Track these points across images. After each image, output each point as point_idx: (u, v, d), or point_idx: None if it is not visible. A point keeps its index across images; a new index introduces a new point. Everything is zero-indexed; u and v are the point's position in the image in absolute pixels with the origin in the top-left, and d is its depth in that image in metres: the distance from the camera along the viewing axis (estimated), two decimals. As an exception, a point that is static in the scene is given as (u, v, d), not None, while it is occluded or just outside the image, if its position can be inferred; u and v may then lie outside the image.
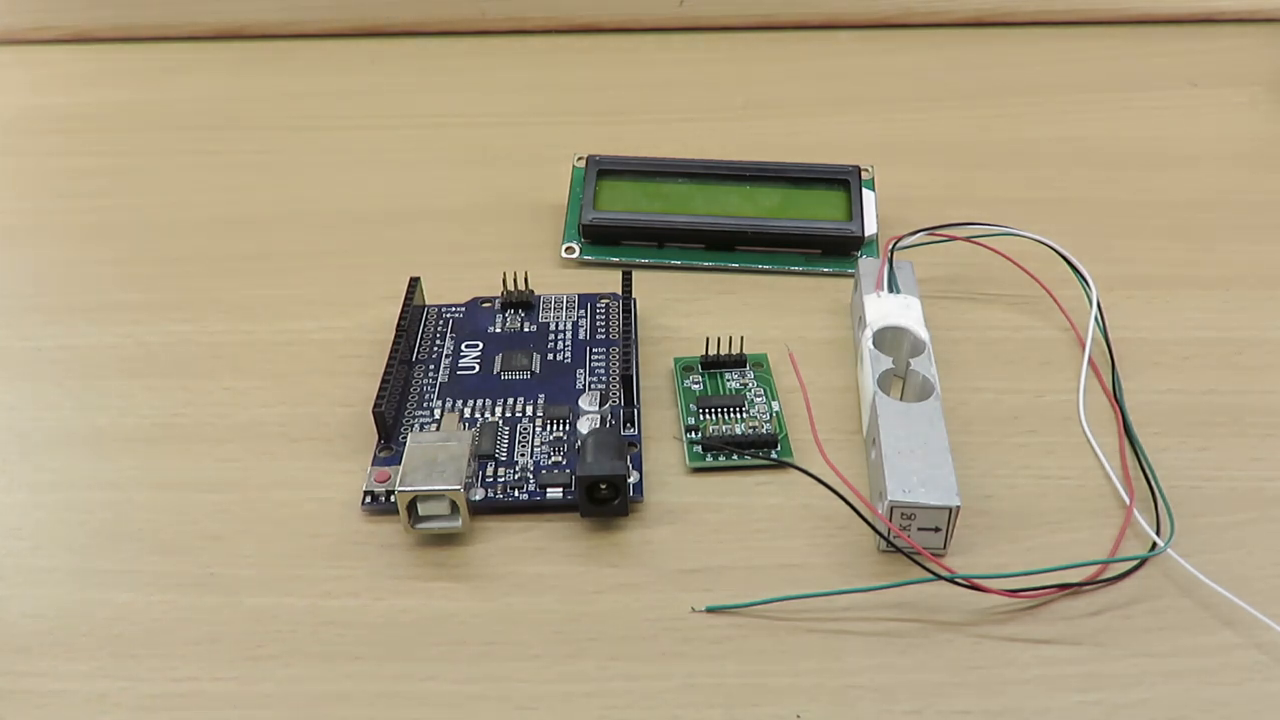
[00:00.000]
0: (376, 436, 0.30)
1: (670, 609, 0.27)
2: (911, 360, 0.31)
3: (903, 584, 0.26)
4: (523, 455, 0.30)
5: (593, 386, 0.32)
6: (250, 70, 0.52)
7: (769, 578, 0.27)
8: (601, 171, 0.39)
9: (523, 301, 0.35)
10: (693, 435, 0.31)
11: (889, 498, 0.26)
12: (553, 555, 0.28)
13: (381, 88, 0.50)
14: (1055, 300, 0.35)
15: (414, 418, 0.31)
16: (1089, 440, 0.31)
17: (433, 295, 0.36)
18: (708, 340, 0.33)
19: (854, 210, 0.38)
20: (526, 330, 0.35)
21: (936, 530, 0.27)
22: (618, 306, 0.35)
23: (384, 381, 0.31)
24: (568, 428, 0.31)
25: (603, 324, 0.35)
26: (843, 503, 0.27)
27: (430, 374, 0.33)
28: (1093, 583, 0.27)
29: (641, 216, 0.38)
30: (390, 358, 0.31)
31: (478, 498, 0.29)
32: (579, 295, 0.36)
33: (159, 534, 0.29)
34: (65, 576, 0.28)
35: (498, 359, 0.33)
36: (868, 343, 0.31)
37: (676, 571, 0.27)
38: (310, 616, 0.27)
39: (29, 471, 0.31)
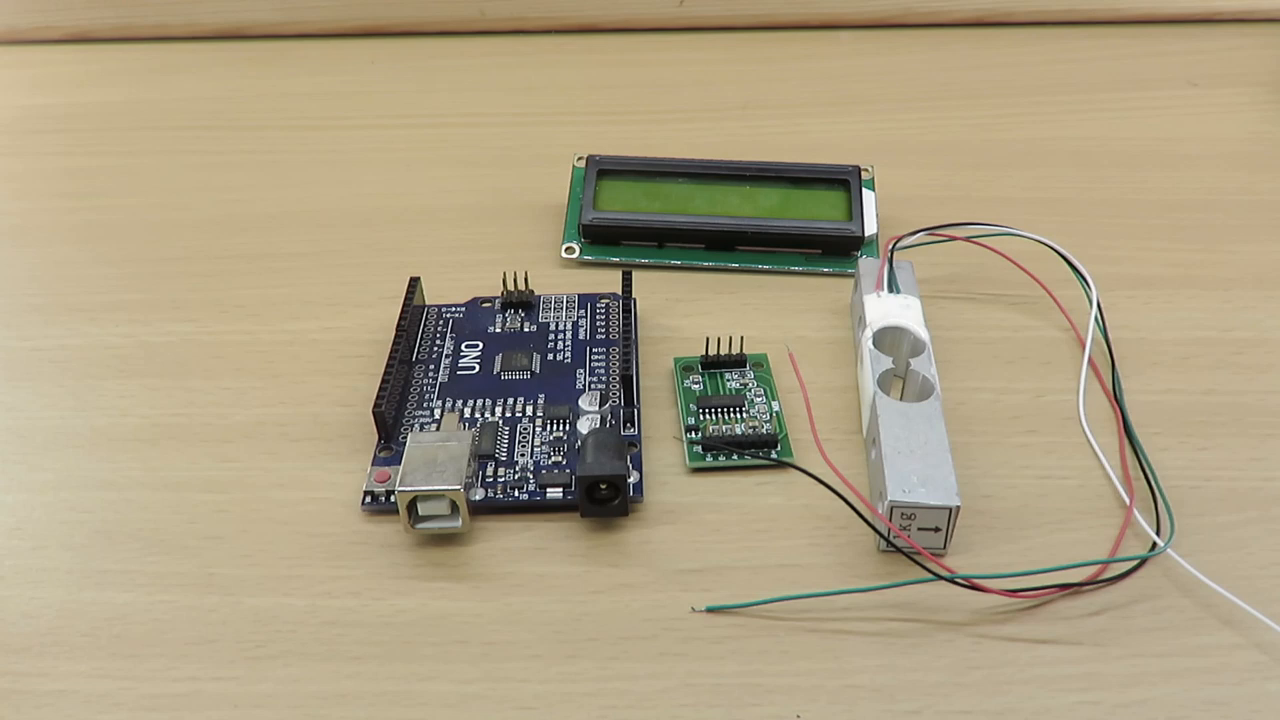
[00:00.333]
0: (376, 436, 0.30)
1: (670, 609, 0.27)
2: (911, 360, 0.31)
3: (903, 584, 0.26)
4: (523, 455, 0.30)
5: (593, 386, 0.32)
6: (250, 70, 0.52)
7: (769, 578, 0.27)
8: (601, 171, 0.39)
9: (523, 301, 0.35)
10: (693, 435, 0.31)
11: (889, 498, 0.26)
12: (553, 555, 0.28)
13: (381, 88, 0.50)
14: (1055, 300, 0.35)
15: (414, 418, 0.31)
16: (1089, 440, 0.31)
17: (433, 295, 0.36)
18: (708, 340, 0.33)
19: (854, 210, 0.38)
20: (526, 330, 0.35)
21: (936, 530, 0.27)
22: (618, 306, 0.35)
23: (384, 381, 0.31)
24: (568, 428, 0.31)
25: (603, 324, 0.35)
26: (843, 503, 0.27)
27: (430, 374, 0.33)
28: (1093, 583, 0.27)
29: (641, 216, 0.38)
30: (390, 358, 0.31)
31: (478, 498, 0.29)
32: (579, 295, 0.36)
33: (159, 534, 0.29)
34: (65, 576, 0.28)
35: (498, 359, 0.33)
36: (868, 343, 0.31)
37: (676, 571, 0.27)
38: (310, 616, 0.27)
39: (28, 471, 0.31)
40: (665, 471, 0.30)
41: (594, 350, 0.34)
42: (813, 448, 0.29)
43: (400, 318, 0.33)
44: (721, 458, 0.30)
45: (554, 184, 0.41)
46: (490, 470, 0.30)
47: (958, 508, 0.26)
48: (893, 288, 0.33)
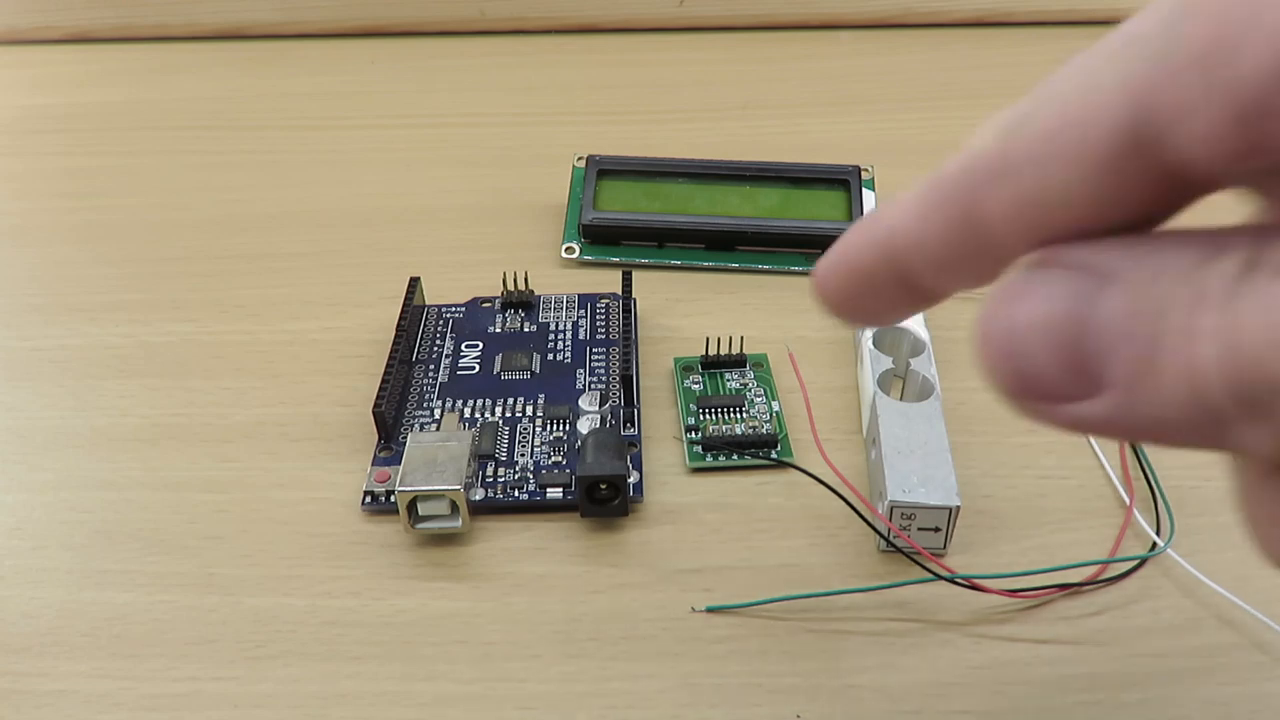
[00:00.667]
0: (376, 436, 0.30)
1: (670, 609, 0.27)
2: (911, 360, 0.31)
3: (903, 584, 0.26)
4: (523, 455, 0.30)
5: (593, 386, 0.32)
6: (250, 70, 0.52)
7: (769, 578, 0.27)
8: (601, 171, 0.39)
9: (523, 301, 0.35)
10: (693, 435, 0.31)
11: (889, 498, 0.26)
12: (553, 555, 0.28)
13: (381, 88, 0.50)
14: (1055, 300, 0.35)
15: (414, 418, 0.31)
16: (1089, 440, 0.31)
17: (433, 295, 0.36)
18: (708, 340, 0.33)
19: (854, 210, 0.38)
20: (526, 330, 0.35)
21: (936, 530, 0.27)
22: (618, 306, 0.35)
23: (384, 381, 0.31)
24: (568, 428, 0.31)
25: (603, 324, 0.35)
26: (843, 503, 0.27)
27: (430, 374, 0.33)
28: (1093, 583, 0.27)
29: (641, 216, 0.38)
30: (390, 358, 0.31)
31: (478, 498, 0.29)
32: (579, 295, 0.36)
33: (159, 534, 0.29)
34: (65, 576, 0.28)
35: (498, 359, 0.33)
36: (868, 343, 0.31)
37: (676, 571, 0.27)
38: (310, 616, 0.27)
39: (28, 471, 0.31)
40: (665, 471, 0.30)
41: (594, 350, 0.34)
42: (813, 448, 0.29)
43: (400, 318, 0.33)
44: (721, 458, 0.30)
45: (554, 184, 0.41)
46: (490, 470, 0.30)
47: (958, 508, 0.26)
48: (893, 288, 0.33)
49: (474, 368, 0.33)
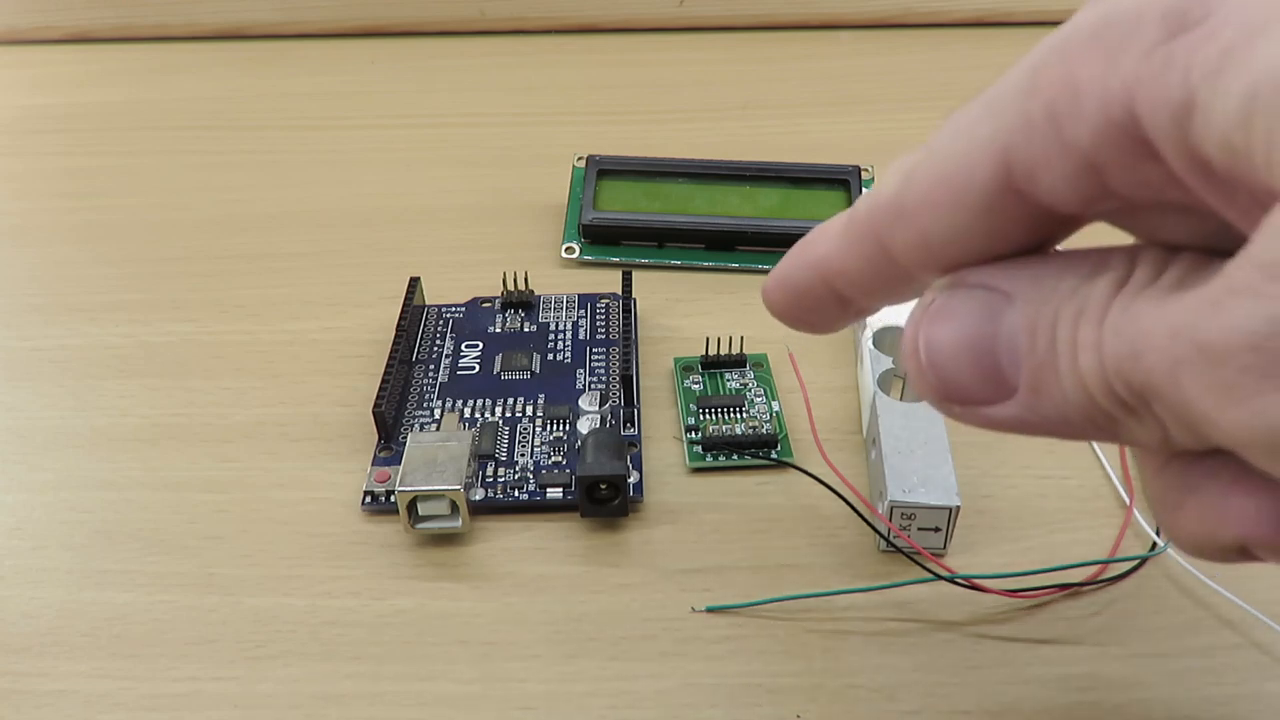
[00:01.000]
0: (376, 436, 0.30)
1: (670, 609, 0.26)
2: (911, 360, 0.31)
3: (903, 584, 0.26)
4: (523, 455, 0.30)
5: (593, 386, 0.32)
6: (250, 70, 0.52)
7: (769, 578, 0.27)
8: (601, 171, 0.39)
9: (523, 301, 0.35)
10: (693, 435, 0.31)
11: (889, 498, 0.26)
12: (553, 555, 0.28)
13: (381, 88, 0.50)
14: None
15: (414, 418, 0.31)
16: (1089, 441, 0.31)
17: (433, 295, 0.36)
18: (708, 340, 0.33)
19: (854, 210, 0.38)
20: (526, 330, 0.35)
21: (936, 530, 0.27)
22: (618, 306, 0.35)
23: (384, 381, 0.31)
24: (568, 428, 0.31)
25: (603, 324, 0.35)
26: (843, 503, 0.27)
27: (430, 374, 0.33)
28: (1093, 583, 0.27)
29: (641, 216, 0.38)
30: (390, 358, 0.31)
31: (478, 498, 0.29)
32: (579, 295, 0.36)
33: (159, 534, 0.29)
34: (65, 576, 0.28)
35: (498, 359, 0.33)
36: (868, 343, 0.31)
37: (676, 571, 0.27)
38: (310, 616, 0.27)
39: (28, 471, 0.31)
40: (665, 471, 0.30)
41: (594, 350, 0.34)
42: (813, 448, 0.29)
43: (400, 318, 0.33)
44: (721, 458, 0.30)
45: (554, 184, 0.41)
46: (490, 470, 0.30)
47: (958, 508, 0.26)
48: (893, 288, 0.33)
49: (474, 368, 0.33)
